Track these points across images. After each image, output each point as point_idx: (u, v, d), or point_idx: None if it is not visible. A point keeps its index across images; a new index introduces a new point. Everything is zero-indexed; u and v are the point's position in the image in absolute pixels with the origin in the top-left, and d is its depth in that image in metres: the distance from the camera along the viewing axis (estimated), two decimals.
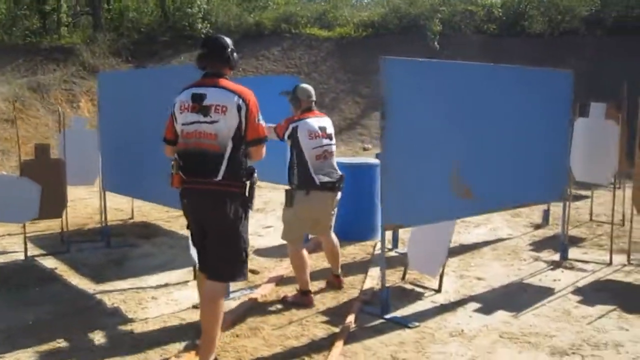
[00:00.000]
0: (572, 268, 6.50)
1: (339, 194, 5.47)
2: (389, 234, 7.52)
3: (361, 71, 20.63)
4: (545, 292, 5.73)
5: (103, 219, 7.54)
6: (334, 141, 5.48)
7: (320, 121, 5.43)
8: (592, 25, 20.62)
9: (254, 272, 6.30)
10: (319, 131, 5.34)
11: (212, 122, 3.82)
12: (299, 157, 5.24)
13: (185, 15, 21.97)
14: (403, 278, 6.04)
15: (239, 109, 3.83)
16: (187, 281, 5.99)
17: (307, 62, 21.47)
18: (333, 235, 5.66)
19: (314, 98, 5.49)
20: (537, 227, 8.51)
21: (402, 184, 4.97)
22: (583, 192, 9.95)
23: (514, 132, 5.86)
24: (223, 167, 3.81)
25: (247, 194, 3.94)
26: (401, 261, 6.30)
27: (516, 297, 5.63)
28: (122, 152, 6.93)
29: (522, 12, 21.96)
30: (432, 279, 5.86)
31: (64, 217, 7.17)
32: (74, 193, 9.42)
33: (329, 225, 5.56)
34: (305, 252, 5.43)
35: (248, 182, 3.94)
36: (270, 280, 5.92)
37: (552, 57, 17.09)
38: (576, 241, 7.55)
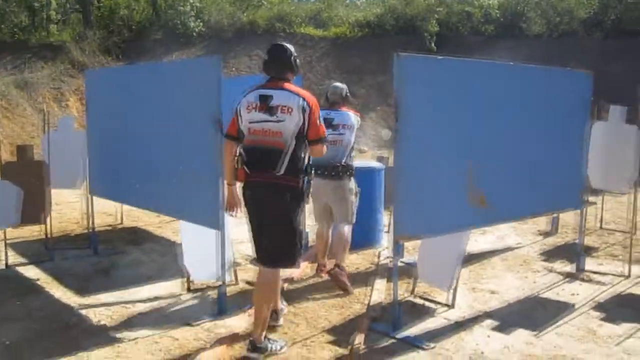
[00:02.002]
0: (589, 280, 6.12)
1: (341, 183, 5.83)
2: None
3: (357, 71, 20.27)
4: (564, 308, 5.34)
5: (90, 224, 7.09)
6: (338, 132, 5.88)
7: (330, 114, 5.90)
8: (591, 28, 20.35)
9: (250, 283, 5.89)
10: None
11: (278, 121, 4.12)
12: None
13: (177, 13, 21.55)
14: (412, 291, 5.63)
15: (302, 110, 4.13)
16: (180, 295, 5.55)
17: (301, 62, 20.61)
18: (341, 229, 5.93)
19: (330, 95, 6.10)
20: (546, 234, 8.13)
21: (416, 192, 4.55)
22: (590, 198, 9.57)
23: (531, 135, 5.44)
24: (285, 163, 4.09)
25: (303, 188, 4.19)
26: (408, 272, 5.88)
27: (534, 313, 5.23)
28: (111, 155, 6.50)
29: (519, 13, 21.67)
30: (443, 293, 5.46)
31: (47, 222, 6.72)
32: (60, 196, 9.00)
33: (336, 215, 5.95)
34: (324, 233, 6.10)
35: (305, 178, 4.21)
36: None
37: (551, 60, 16.56)
38: (589, 251, 7.15)
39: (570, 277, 6.22)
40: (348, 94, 6.18)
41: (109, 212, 8.84)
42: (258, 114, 4.17)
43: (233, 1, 24.18)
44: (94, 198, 7.02)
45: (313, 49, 21.63)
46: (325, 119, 5.63)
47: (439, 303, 5.38)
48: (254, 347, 4.24)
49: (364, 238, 7.12)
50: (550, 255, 7.11)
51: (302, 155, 4.19)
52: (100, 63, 18.85)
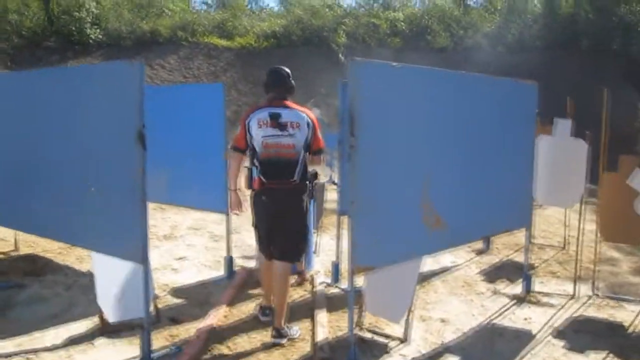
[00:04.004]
0: (537, 302, 5.80)
1: None
2: (327, 264, 6.63)
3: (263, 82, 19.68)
4: (523, 337, 4.96)
5: None
6: None
7: None
8: (494, 41, 20.72)
9: (175, 320, 5.17)
10: None
11: (289, 136, 4.73)
12: None
13: (73, 19, 20.27)
14: (359, 324, 5.08)
15: (307, 125, 4.79)
16: (93, 339, 4.73)
17: (206, 72, 20.31)
18: None
19: None
20: (480, 252, 7.81)
21: (374, 217, 4.03)
22: None
23: (484, 150, 5.07)
24: (298, 170, 4.72)
25: (311, 190, 4.89)
26: (347, 300, 5.33)
27: (494, 344, 4.81)
28: (6, 175, 5.59)
29: (425, 26, 21.80)
30: (392, 324, 4.94)
31: None
32: None
33: None
34: None
35: (312, 181, 4.88)
36: (199, 334, 4.77)
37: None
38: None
39: (517, 299, 5.88)
40: None
41: (1, 237, 7.79)
42: (270, 129, 4.72)
43: (132, 8, 23.05)
44: None
45: (217, 59, 20.90)
46: None
47: (389, 337, 4.86)
48: (279, 333, 4.75)
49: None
50: (490, 275, 6.78)
51: (307, 163, 4.80)
52: None
